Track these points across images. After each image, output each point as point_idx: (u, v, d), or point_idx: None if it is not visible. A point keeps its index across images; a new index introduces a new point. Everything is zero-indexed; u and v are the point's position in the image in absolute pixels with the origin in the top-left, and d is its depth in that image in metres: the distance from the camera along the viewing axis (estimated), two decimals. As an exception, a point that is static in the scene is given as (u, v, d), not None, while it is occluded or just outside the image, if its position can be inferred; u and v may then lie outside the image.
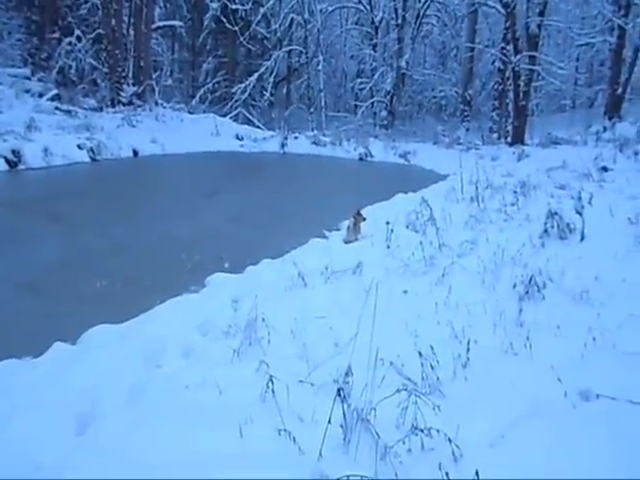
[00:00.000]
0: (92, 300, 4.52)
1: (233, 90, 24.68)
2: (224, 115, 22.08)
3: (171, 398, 2.87)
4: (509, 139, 19.62)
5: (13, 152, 10.35)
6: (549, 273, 4.21)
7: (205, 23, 26.36)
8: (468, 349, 3.11)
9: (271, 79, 25.32)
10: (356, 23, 30.39)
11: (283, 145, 17.78)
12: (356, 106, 27.94)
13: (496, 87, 23.40)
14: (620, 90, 20.06)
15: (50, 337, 3.51)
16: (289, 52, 27.41)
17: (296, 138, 18.76)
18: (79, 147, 12.01)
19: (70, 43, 18.87)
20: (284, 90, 28.96)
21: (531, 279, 4.04)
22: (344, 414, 2.48)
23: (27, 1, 20.26)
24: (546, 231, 5.52)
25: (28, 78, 16.90)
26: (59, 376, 3.02)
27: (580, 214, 5.51)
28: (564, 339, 3.25)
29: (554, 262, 4.46)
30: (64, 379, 2.98)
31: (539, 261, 4.51)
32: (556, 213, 5.57)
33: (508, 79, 20.59)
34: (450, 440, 2.33)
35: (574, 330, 3.28)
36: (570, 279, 4.10)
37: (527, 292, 3.99)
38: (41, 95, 15.77)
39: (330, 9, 27.40)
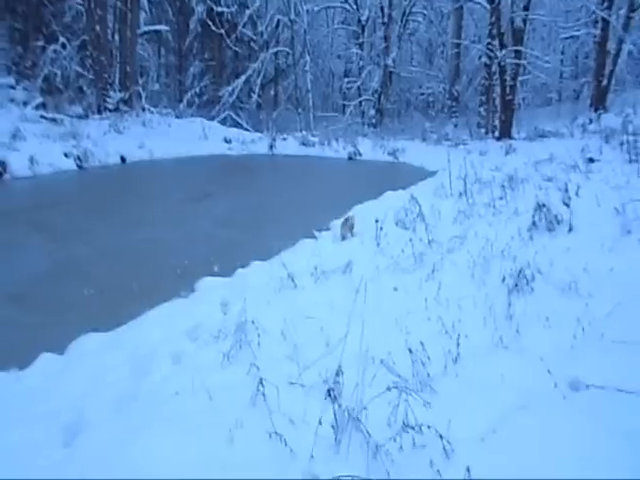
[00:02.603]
0: (80, 309, 4.48)
1: (220, 93, 24.63)
2: (212, 118, 22.02)
3: (161, 405, 2.84)
4: (497, 133, 19.69)
5: (-2, 162, 10.27)
6: (538, 265, 4.21)
7: (191, 27, 26.26)
8: (458, 344, 3.11)
9: (258, 81, 25.30)
10: (342, 23, 30.42)
11: (272, 147, 17.75)
12: (344, 105, 27.96)
13: (483, 82, 23.50)
14: (605, 82, 20.17)
15: (37, 348, 3.47)
16: (276, 53, 27.38)
17: (284, 139, 18.73)
18: (65, 155, 11.93)
19: (55, 51, 18.73)
20: (272, 92, 28.95)
21: (520, 272, 4.05)
22: (335, 414, 2.47)
23: (10, 9, 20.08)
24: (534, 224, 5.52)
25: (12, 87, 16.76)
26: (46, 387, 2.98)
27: (567, 206, 5.52)
28: (553, 330, 3.25)
29: (542, 254, 4.47)
30: (51, 390, 2.95)
31: (528, 254, 4.52)
32: (544, 205, 5.58)
33: (494, 74, 20.67)
34: (441, 436, 2.33)
35: (563, 321, 3.28)
36: (558, 271, 4.10)
37: (516, 285, 3.99)
38: (26, 104, 15.65)
39: (316, 9, 27.40)
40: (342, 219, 6.58)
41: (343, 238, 6.36)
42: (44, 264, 5.64)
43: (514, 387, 2.74)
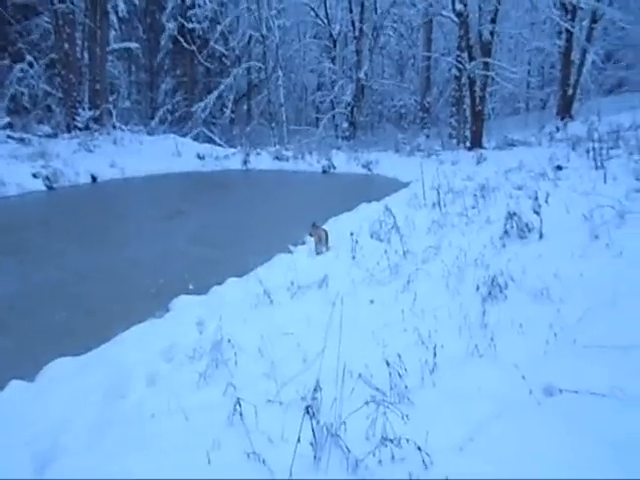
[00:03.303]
0: (51, 333, 4.38)
1: (193, 109, 24.58)
2: (185, 135, 21.93)
3: (137, 428, 2.79)
4: (468, 143, 20.04)
5: (-37, 184, 10.01)
6: (510, 273, 4.27)
7: (162, 43, 26.27)
8: (435, 354, 3.13)
9: (231, 96, 25.34)
10: (314, 37, 30.70)
11: (245, 162, 17.72)
12: (317, 119, 28.21)
13: (453, 94, 23.93)
14: (571, 91, 20.76)
15: (6, 375, 3.37)
16: (248, 68, 27.48)
17: (258, 154, 18.72)
18: (34, 176, 11.68)
19: (22, 70, 18.50)
20: (245, 107, 29.03)
21: (493, 280, 4.10)
22: (313, 431, 2.45)
23: (-27, 29, 19.82)
24: (506, 232, 5.61)
25: (-22, 107, 16.47)
26: (16, 415, 2.90)
27: (538, 213, 5.62)
28: (527, 337, 3.30)
29: (515, 262, 4.53)
30: (22, 418, 2.86)
31: (500, 262, 4.58)
32: (515, 214, 5.67)
33: (464, 85, 21.09)
34: (420, 448, 2.33)
35: (536, 327, 3.33)
36: (531, 277, 4.17)
37: (490, 293, 4.04)
38: (-8, 124, 15.36)
39: (288, 24, 27.64)
40: (314, 234, 6.56)
41: (318, 253, 6.38)
42: (14, 287, 5.50)
43: (490, 395, 2.76)
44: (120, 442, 2.67)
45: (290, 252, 6.53)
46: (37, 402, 3.05)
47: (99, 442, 2.72)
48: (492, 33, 19.25)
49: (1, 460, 2.50)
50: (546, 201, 6.10)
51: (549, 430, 2.40)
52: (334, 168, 17.64)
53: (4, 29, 19.51)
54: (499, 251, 5.24)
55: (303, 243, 7.01)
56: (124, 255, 6.74)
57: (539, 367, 2.88)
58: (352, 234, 5.88)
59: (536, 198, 5.75)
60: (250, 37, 26.56)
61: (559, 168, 9.93)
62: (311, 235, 6.49)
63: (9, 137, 14.58)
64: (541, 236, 5.38)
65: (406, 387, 2.90)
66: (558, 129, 17.68)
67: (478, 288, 4.15)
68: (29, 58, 18.80)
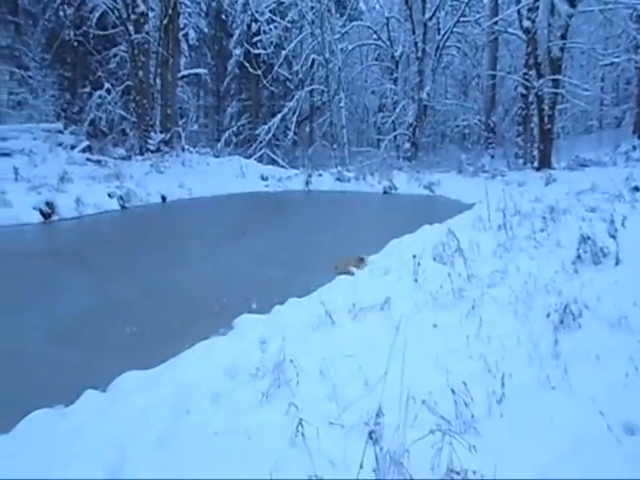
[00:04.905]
0: (122, 347, 4.56)
1: (257, 132, 25.29)
2: (249, 156, 22.54)
3: (201, 445, 2.84)
4: (535, 164, 19.39)
5: (47, 204, 10.65)
6: (584, 300, 4.07)
7: (229, 69, 27.33)
8: (503, 384, 3.01)
9: (294, 119, 25.86)
10: (376, 59, 30.99)
11: (307, 183, 17.96)
12: (379, 140, 28.22)
13: (520, 112, 23.36)
14: (648, 107, 19.79)
15: (81, 385, 3.54)
16: (311, 91, 28.02)
17: (320, 175, 18.92)
18: (109, 196, 12.33)
19: (100, 96, 19.78)
20: (307, 128, 29.52)
21: (566, 307, 3.91)
22: (376, 458, 2.40)
23: (60, 59, 21.44)
24: (579, 256, 5.36)
25: (61, 132, 17.60)
26: (90, 425, 3.02)
27: (614, 237, 5.34)
28: (604, 369, 3.11)
29: (589, 288, 4.32)
30: (95, 428, 2.98)
31: (573, 288, 4.37)
32: (588, 237, 5.42)
33: (532, 104, 20.50)
34: (488, 482, 2.23)
35: (614, 359, 3.14)
36: (607, 305, 3.95)
37: (562, 321, 3.86)
38: (73, 147, 16.37)
39: (350, 47, 28.06)
40: (348, 259, 6.61)
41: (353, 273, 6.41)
42: (88, 303, 5.78)
43: (564, 430, 2.62)
44: (184, 458, 2.72)
45: (351, 274, 6.51)
46: (109, 413, 3.17)
47: (164, 456, 2.77)
48: (562, 49, 18.61)
49: (76, 469, 2.60)
50: (623, 224, 5.80)
51: (630, 472, 2.24)
52: (395, 189, 17.54)
53: (86, 59, 20.97)
54: (571, 277, 5.00)
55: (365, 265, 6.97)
56: (190, 273, 6.95)
57: (618, 402, 2.70)
58: (414, 256, 5.78)
59: (612, 221, 5.48)
60: (313, 61, 27.11)
61: (637, 190, 9.44)
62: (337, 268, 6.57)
63: (88, 159, 15.50)
64: (618, 262, 5.10)
65: (472, 416, 2.81)
66: (635, 148, 16.86)
67: (549, 315, 3.97)
68: (107, 85, 20.09)
